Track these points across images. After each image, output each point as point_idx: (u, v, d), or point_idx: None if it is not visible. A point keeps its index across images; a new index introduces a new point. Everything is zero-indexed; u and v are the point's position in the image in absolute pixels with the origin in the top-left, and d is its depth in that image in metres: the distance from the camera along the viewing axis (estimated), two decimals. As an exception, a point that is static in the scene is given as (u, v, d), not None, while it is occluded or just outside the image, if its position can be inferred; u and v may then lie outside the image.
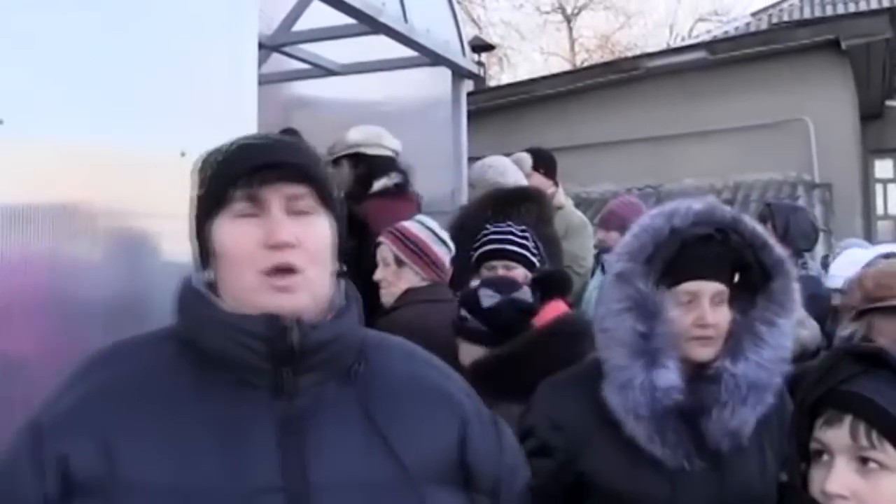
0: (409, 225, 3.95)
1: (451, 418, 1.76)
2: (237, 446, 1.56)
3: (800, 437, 1.76)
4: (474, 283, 3.48)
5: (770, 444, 2.46)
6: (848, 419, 1.65)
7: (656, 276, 2.40)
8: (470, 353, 3.19)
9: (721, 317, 2.39)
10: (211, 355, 1.61)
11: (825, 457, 1.69)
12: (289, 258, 1.59)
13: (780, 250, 2.46)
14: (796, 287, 2.46)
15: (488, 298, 3.24)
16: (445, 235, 3.94)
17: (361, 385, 1.68)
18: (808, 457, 1.74)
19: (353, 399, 1.66)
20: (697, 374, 2.39)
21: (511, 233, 4.04)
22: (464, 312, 3.26)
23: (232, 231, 1.62)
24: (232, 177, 1.62)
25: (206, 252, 1.67)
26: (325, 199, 1.67)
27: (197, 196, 1.69)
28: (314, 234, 1.64)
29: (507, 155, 6.05)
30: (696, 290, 2.38)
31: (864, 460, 1.64)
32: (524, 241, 3.94)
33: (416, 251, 3.89)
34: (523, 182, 5.50)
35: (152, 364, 1.64)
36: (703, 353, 2.39)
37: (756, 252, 2.43)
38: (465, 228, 4.46)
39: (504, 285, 3.31)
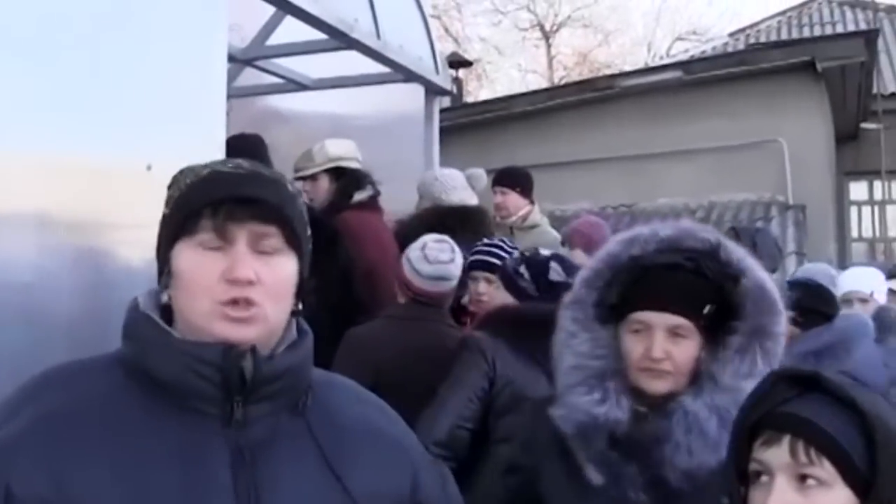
0: (411, 245, 4.00)
1: (402, 462, 1.78)
2: (191, 473, 1.54)
3: (738, 459, 1.78)
4: (544, 252, 3.76)
5: None
6: (786, 438, 1.68)
7: (610, 303, 2.36)
8: (504, 299, 3.68)
9: (681, 351, 2.28)
10: (161, 382, 1.59)
11: (764, 478, 1.72)
12: (247, 293, 1.57)
13: (761, 282, 2.31)
14: (777, 322, 2.31)
15: (556, 275, 3.59)
16: (424, 258, 3.92)
17: (312, 419, 1.68)
18: (747, 480, 1.76)
19: (305, 432, 1.66)
20: (658, 406, 2.31)
21: (499, 247, 4.15)
22: (522, 269, 3.62)
23: (194, 259, 1.60)
24: (199, 205, 1.60)
25: (165, 271, 1.65)
26: (292, 239, 1.65)
27: (163, 214, 1.67)
28: (276, 274, 1.62)
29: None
30: (647, 320, 2.28)
31: (803, 477, 1.67)
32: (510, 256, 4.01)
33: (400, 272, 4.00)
34: (470, 200, 5.51)
35: (101, 390, 1.61)
36: (655, 385, 2.30)
37: (735, 283, 2.30)
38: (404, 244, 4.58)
39: (571, 270, 3.51)
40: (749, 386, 2.12)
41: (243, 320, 1.58)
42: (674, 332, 2.27)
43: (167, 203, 1.66)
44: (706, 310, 2.31)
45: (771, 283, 2.34)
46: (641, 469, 2.27)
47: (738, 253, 2.33)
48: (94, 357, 1.71)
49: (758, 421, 1.74)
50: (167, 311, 1.66)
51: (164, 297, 1.66)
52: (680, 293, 2.29)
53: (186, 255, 1.60)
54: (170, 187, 1.68)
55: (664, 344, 2.27)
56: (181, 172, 1.68)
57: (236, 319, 1.57)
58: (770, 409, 1.72)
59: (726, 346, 2.31)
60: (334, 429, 1.70)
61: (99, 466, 1.51)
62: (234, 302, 1.57)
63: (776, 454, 1.68)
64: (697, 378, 2.31)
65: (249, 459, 1.58)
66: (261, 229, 1.60)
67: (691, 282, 2.30)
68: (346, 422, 1.74)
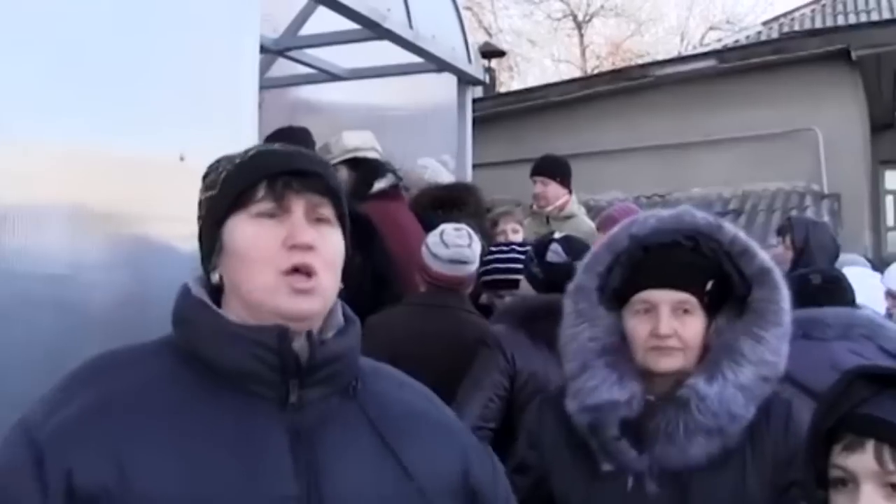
0: (430, 233, 4.00)
1: (453, 445, 1.79)
2: (251, 456, 1.55)
3: (816, 464, 1.69)
4: (555, 236, 3.82)
5: (760, 454, 2.30)
6: (871, 444, 1.59)
7: (613, 287, 2.37)
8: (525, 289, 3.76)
9: (688, 327, 2.30)
10: (216, 367, 1.60)
11: (845, 483, 1.63)
12: (309, 259, 1.60)
13: (763, 259, 2.36)
14: (783, 297, 2.34)
15: (554, 255, 3.64)
16: (442, 242, 3.91)
17: (363, 402, 1.69)
18: (826, 484, 1.67)
19: (359, 414, 1.67)
20: (668, 393, 2.31)
21: (515, 260, 4.12)
22: (532, 254, 3.71)
23: (252, 230, 1.62)
24: (255, 178, 1.63)
25: (211, 253, 1.67)
26: (340, 213, 1.70)
27: (208, 197, 1.69)
28: (330, 244, 1.66)
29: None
30: (651, 298, 2.30)
31: (892, 485, 1.58)
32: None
33: (419, 259, 3.99)
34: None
35: (153, 375, 1.61)
36: (664, 363, 2.30)
37: (735, 261, 2.34)
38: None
39: (575, 249, 3.59)
40: (771, 358, 2.26)
41: (306, 291, 1.60)
42: (679, 309, 2.29)
43: (211, 186, 1.68)
44: (708, 286, 2.33)
45: (770, 261, 2.38)
46: (653, 458, 2.27)
47: (734, 232, 2.37)
48: (143, 344, 1.71)
49: (836, 423, 1.65)
50: (215, 295, 1.68)
51: (216, 277, 1.67)
52: (681, 269, 2.32)
53: (242, 228, 1.63)
54: (209, 174, 1.71)
55: (670, 321, 2.28)
56: (218, 161, 1.71)
57: (300, 291, 1.59)
58: (848, 411, 1.64)
59: (741, 320, 2.33)
60: (385, 411, 1.71)
61: (160, 453, 1.51)
62: (296, 270, 1.59)
63: (860, 461, 1.60)
64: (709, 357, 2.32)
65: (307, 441, 1.59)
66: (316, 199, 1.65)
67: (693, 260, 2.33)
68: (395, 407, 1.75)
